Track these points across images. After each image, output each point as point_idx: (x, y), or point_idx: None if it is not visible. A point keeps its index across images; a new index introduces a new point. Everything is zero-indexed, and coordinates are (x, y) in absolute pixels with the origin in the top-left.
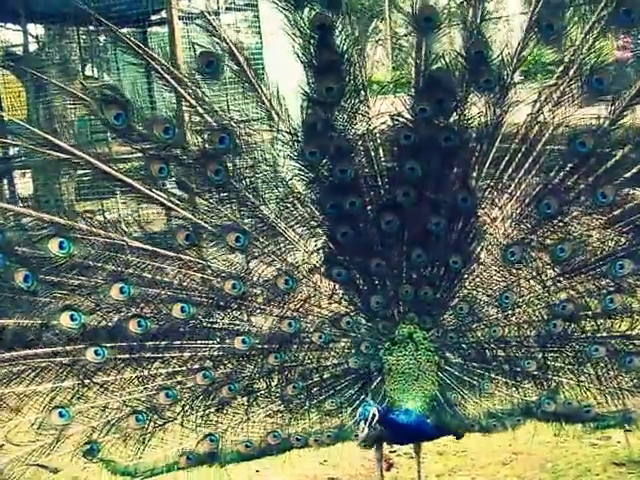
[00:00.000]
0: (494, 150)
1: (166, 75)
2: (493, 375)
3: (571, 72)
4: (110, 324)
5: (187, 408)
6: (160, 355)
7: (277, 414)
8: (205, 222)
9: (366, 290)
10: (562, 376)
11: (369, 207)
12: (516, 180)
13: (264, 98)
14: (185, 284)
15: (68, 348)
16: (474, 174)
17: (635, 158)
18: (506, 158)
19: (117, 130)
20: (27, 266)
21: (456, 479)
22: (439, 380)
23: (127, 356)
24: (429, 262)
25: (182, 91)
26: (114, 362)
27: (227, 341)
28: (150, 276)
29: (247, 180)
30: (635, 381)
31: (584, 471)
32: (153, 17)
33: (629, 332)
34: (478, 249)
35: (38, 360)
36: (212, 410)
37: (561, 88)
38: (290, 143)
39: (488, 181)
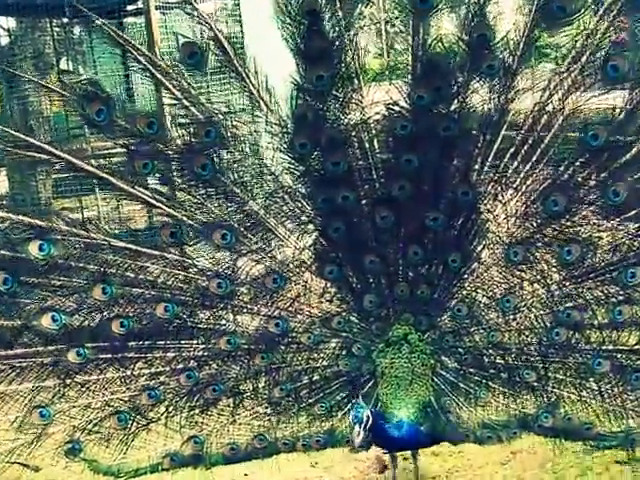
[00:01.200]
0: (498, 141)
1: (149, 66)
2: (490, 383)
3: (584, 58)
4: (92, 324)
5: (171, 409)
6: (143, 355)
7: (264, 417)
8: (191, 219)
9: (359, 288)
10: (563, 389)
11: (363, 201)
12: (522, 174)
13: (251, 88)
14: (169, 283)
15: (49, 348)
16: (476, 166)
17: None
18: (511, 150)
19: (99, 126)
20: (6, 269)
21: None
22: (434, 385)
23: (109, 356)
24: (426, 260)
25: (166, 83)
26: (96, 362)
27: (212, 341)
28: (133, 275)
29: (235, 174)
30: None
31: (585, 470)
32: (129, 7)
33: (637, 347)
34: (479, 247)
35: (18, 360)
36: (197, 411)
37: (572, 75)
38: (279, 135)
39: (491, 174)
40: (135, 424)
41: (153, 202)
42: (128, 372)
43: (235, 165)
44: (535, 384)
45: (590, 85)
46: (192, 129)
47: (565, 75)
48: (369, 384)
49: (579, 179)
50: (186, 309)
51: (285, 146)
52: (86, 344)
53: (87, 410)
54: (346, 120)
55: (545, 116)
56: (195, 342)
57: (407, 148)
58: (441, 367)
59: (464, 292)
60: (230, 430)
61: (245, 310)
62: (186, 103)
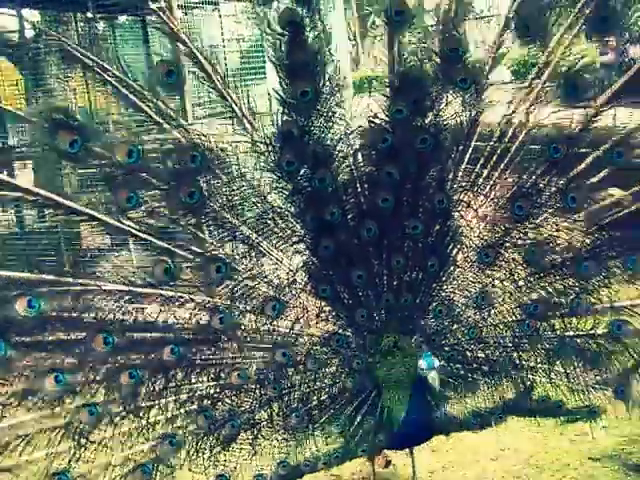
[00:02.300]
0: (469, 152)
1: (123, 89)
2: (474, 376)
3: (546, 74)
4: (98, 378)
5: (193, 452)
6: (156, 402)
7: (283, 443)
8: (183, 251)
9: (350, 304)
10: (535, 374)
11: (349, 216)
12: (491, 182)
13: (234, 107)
14: (170, 322)
15: (57, 411)
16: (450, 176)
17: (604, 162)
18: (481, 160)
19: (72, 158)
20: None
21: (448, 474)
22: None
23: (122, 408)
24: (407, 267)
25: (142, 105)
26: (109, 417)
27: (223, 377)
28: (132, 319)
29: (223, 199)
30: (598, 378)
31: (563, 466)
32: (152, 5)
33: (593, 331)
34: (454, 251)
35: (26, 428)
36: (218, 450)
37: (536, 90)
38: (265, 154)
39: (463, 183)
40: (160, 474)
41: (142, 235)
42: (144, 422)
43: (223, 189)
44: (513, 372)
45: (550, 101)
46: (176, 155)
47: (528, 91)
48: (373, 395)
49: (541, 186)
50: (191, 348)
51: (272, 165)
52: (96, 401)
53: (108, 469)
54: (330, 135)
55: (511, 129)
56: (206, 380)
57: (388, 161)
58: None
59: (443, 294)
60: (253, 462)
61: (249, 341)
62: (165, 126)
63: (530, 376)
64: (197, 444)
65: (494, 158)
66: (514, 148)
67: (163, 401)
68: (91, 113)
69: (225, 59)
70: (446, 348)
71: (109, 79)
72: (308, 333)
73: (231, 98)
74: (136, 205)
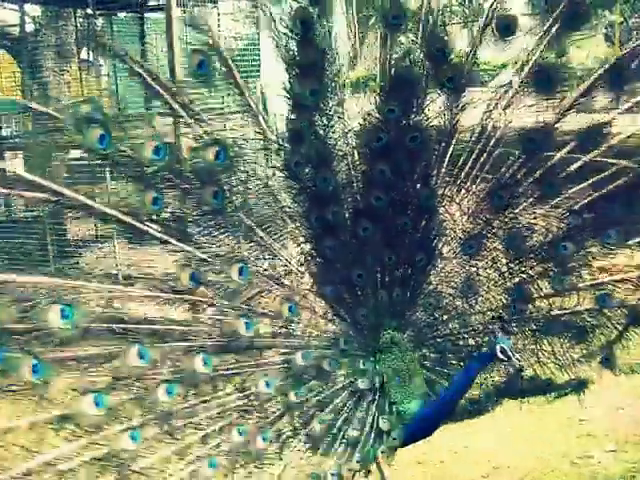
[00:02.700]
0: (451, 148)
1: (151, 81)
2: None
3: (522, 75)
4: (134, 397)
5: (230, 471)
6: (190, 419)
7: (308, 453)
8: (206, 255)
9: (352, 303)
10: (524, 356)
11: (348, 215)
12: (472, 176)
13: (251, 103)
14: (197, 330)
15: (95, 437)
16: (434, 172)
17: (577, 152)
18: (464, 156)
19: (102, 154)
20: (29, 352)
21: None
22: (425, 377)
23: (159, 430)
24: (398, 263)
25: (168, 98)
26: (149, 441)
27: (248, 386)
28: (163, 329)
29: (239, 199)
30: (584, 351)
31: None
32: (151, 2)
33: (577, 308)
34: (440, 245)
35: (62, 460)
36: (252, 468)
37: (512, 90)
38: (276, 152)
39: (447, 178)
40: None
41: (167, 239)
42: (181, 443)
43: (240, 189)
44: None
45: (526, 99)
46: (200, 152)
47: (503, 92)
48: (380, 393)
49: (519, 177)
50: (219, 357)
51: (282, 164)
52: (136, 424)
53: None
54: (333, 134)
55: (490, 124)
56: (233, 391)
57: (381, 159)
58: (425, 359)
59: (431, 287)
60: (285, 476)
61: (269, 346)
62: (189, 120)
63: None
64: (233, 462)
65: (475, 152)
66: (493, 142)
67: (196, 419)
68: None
69: None
70: (439, 339)
71: (138, 70)
72: (319, 335)
73: (249, 94)
74: (161, 207)
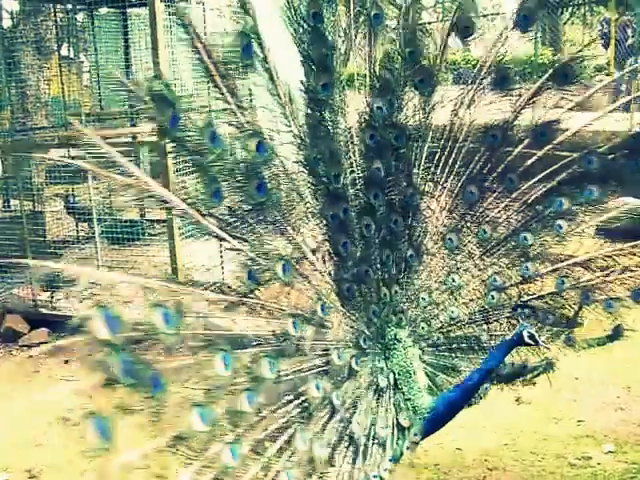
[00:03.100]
0: (427, 145)
1: (206, 58)
2: (457, 354)
3: (482, 73)
4: (227, 409)
5: None
6: (266, 429)
7: (352, 457)
8: (254, 252)
9: (365, 301)
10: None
11: (354, 213)
12: (446, 172)
13: (280, 92)
14: (259, 334)
15: (205, 456)
16: (415, 170)
17: (533, 146)
18: (437, 152)
19: (172, 136)
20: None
21: None
22: (425, 370)
23: (251, 444)
24: (394, 260)
25: (219, 82)
26: (244, 458)
27: (302, 391)
28: (237, 334)
29: (276, 194)
30: (550, 332)
31: None
32: None
33: (541, 293)
34: (425, 240)
35: None
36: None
37: (474, 88)
38: (299, 147)
39: (425, 175)
40: None
41: (223, 235)
42: (265, 457)
43: (274, 183)
44: (485, 345)
45: (487, 96)
46: (244, 142)
47: (467, 90)
48: (395, 390)
49: (484, 172)
50: (279, 360)
51: (303, 160)
52: (234, 440)
53: None
54: (342, 130)
55: (457, 122)
56: (292, 398)
57: (376, 157)
58: (423, 353)
59: (421, 282)
60: None
61: (310, 347)
62: (233, 108)
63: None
64: (305, 474)
65: (447, 149)
66: (461, 139)
67: (269, 428)
68: (64, 103)
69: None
70: (433, 333)
71: (198, 45)
72: (344, 334)
73: (281, 85)
74: (220, 202)
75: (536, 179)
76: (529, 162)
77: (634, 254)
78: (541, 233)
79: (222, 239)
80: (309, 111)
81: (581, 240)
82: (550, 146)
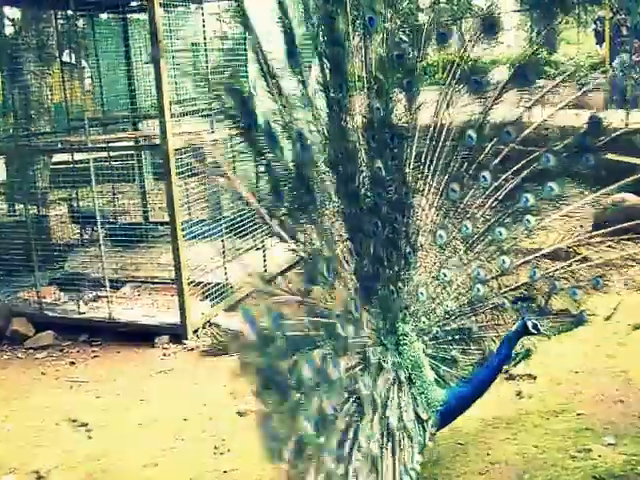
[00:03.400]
0: (415, 145)
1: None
2: (453, 345)
3: (457, 75)
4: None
5: None
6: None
7: (392, 451)
8: (305, 252)
9: (379, 298)
10: (488, 332)
11: (367, 211)
12: (431, 171)
13: (310, 92)
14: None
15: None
16: (407, 169)
17: (500, 143)
18: (423, 152)
19: (241, 130)
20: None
21: None
22: (430, 364)
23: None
24: (396, 258)
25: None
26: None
27: (353, 389)
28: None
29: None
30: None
31: None
32: (133, 3)
33: (515, 284)
34: (419, 237)
35: None
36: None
37: (451, 89)
38: (323, 146)
39: (415, 174)
40: None
41: (284, 236)
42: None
43: (312, 183)
44: (474, 336)
45: (462, 96)
46: (300, 142)
47: (444, 92)
48: (410, 384)
49: (463, 170)
50: (339, 359)
51: (325, 158)
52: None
53: None
54: (354, 130)
55: (439, 123)
56: (347, 398)
57: (377, 156)
58: (426, 347)
59: (418, 278)
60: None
61: (353, 346)
62: (280, 105)
63: (485, 335)
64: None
65: (431, 149)
66: (442, 139)
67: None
68: (67, 109)
69: (206, 56)
70: (432, 327)
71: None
72: (372, 331)
73: (309, 85)
74: (283, 201)
75: (504, 176)
76: (497, 160)
77: (591, 244)
78: (512, 227)
79: (283, 239)
80: (328, 110)
81: (547, 233)
82: (513, 144)
